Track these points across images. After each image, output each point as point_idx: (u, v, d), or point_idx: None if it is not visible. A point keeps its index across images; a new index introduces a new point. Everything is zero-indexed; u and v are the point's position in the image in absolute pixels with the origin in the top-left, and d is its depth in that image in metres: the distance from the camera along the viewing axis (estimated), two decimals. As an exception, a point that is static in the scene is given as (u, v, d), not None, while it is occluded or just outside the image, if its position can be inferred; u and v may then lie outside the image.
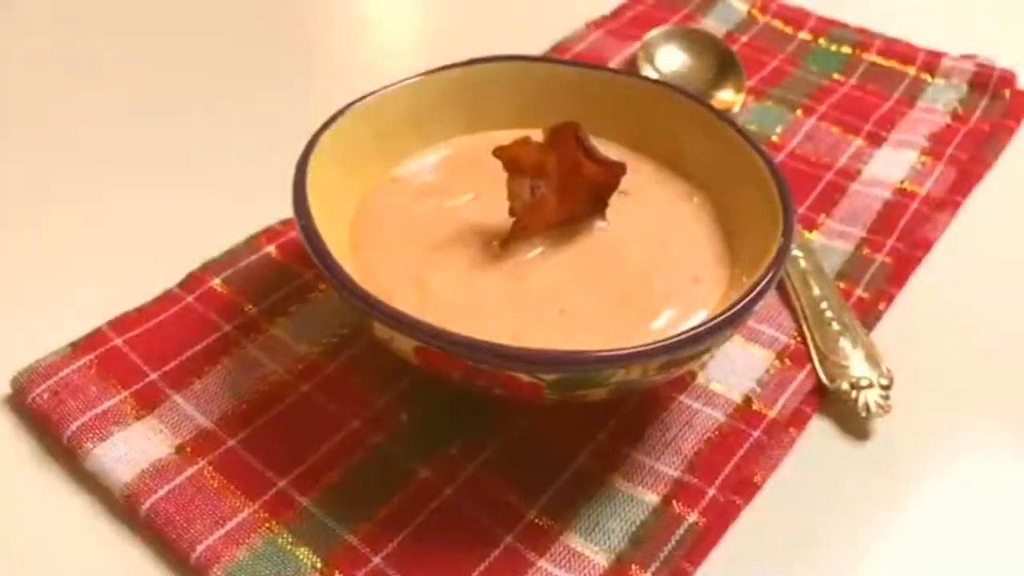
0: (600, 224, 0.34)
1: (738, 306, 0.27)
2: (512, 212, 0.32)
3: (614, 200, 0.34)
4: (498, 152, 0.32)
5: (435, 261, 0.32)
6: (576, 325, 0.30)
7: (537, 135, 0.38)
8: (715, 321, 0.27)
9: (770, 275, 0.29)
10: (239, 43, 0.52)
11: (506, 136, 0.38)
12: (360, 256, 0.33)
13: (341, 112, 0.35)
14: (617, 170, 0.33)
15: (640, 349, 0.26)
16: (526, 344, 0.29)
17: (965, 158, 0.45)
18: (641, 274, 0.32)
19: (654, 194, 0.36)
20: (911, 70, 0.51)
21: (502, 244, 0.32)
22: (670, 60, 0.50)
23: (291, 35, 0.53)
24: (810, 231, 0.41)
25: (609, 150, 0.38)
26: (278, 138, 0.36)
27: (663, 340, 0.27)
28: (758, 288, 0.28)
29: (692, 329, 0.27)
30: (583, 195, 0.33)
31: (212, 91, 0.48)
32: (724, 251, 0.34)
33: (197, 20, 0.53)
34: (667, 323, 0.31)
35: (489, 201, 0.34)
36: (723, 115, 0.36)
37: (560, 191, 0.32)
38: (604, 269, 0.32)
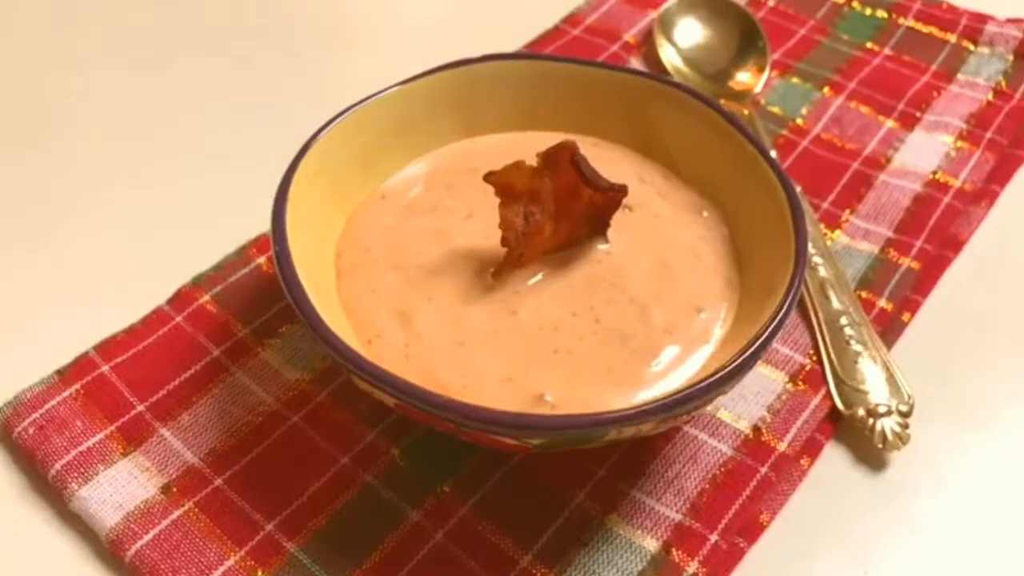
0: (601, 246, 0.32)
1: (731, 366, 0.26)
2: (505, 242, 0.30)
3: (618, 216, 0.32)
4: (489, 178, 0.29)
5: (423, 292, 0.31)
6: (570, 367, 0.29)
7: (537, 138, 0.36)
8: (708, 381, 0.25)
9: (775, 323, 0.27)
10: (230, 46, 0.49)
11: (503, 140, 0.36)
12: (344, 284, 0.31)
13: (326, 126, 0.33)
14: (617, 194, 0.31)
15: (626, 413, 0.25)
16: (517, 388, 0.28)
17: (1005, 142, 0.42)
18: (642, 306, 0.30)
19: (660, 209, 0.33)
20: (952, 37, 0.47)
21: (495, 275, 0.31)
22: (689, 33, 0.47)
23: (289, 37, 0.50)
24: (833, 230, 0.39)
25: (614, 154, 0.36)
26: (272, 141, 0.35)
27: (649, 404, 0.25)
28: (761, 340, 0.26)
29: (682, 390, 0.25)
30: (581, 220, 0.31)
31: (203, 93, 0.46)
32: (734, 273, 0.32)
33: (187, 28, 0.50)
34: (668, 364, 0.29)
35: (484, 219, 0.32)
36: (733, 119, 0.33)
37: (557, 217, 0.30)
38: (603, 301, 0.30)
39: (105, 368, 0.33)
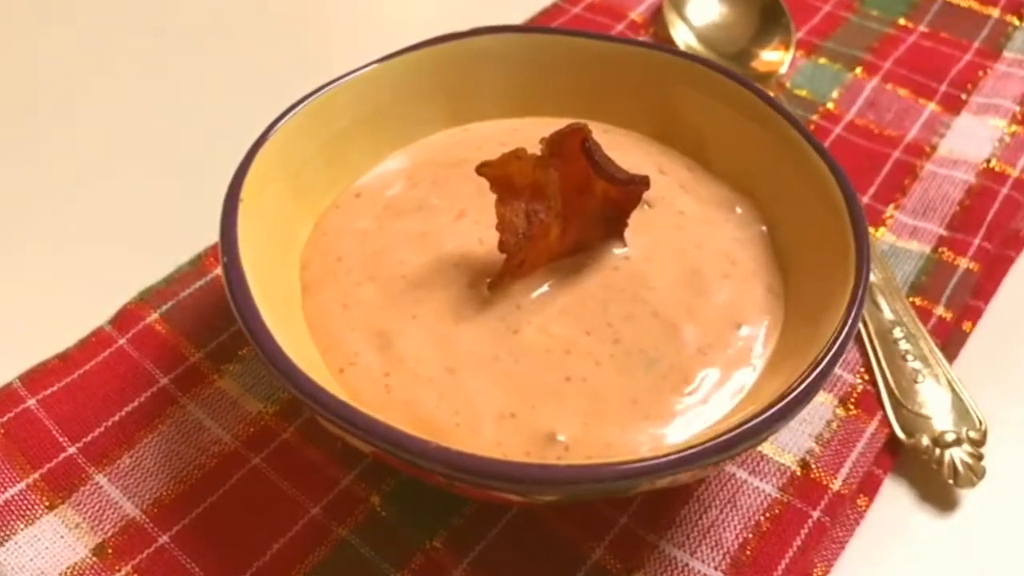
0: (618, 250, 0.27)
1: (790, 397, 0.21)
2: (503, 247, 0.25)
3: (636, 215, 0.27)
4: (483, 170, 0.24)
5: (406, 308, 0.26)
6: (586, 398, 0.24)
7: (537, 125, 0.31)
8: (762, 417, 0.20)
9: (839, 343, 0.22)
10: (184, 24, 0.44)
11: (498, 128, 0.32)
12: (311, 300, 0.26)
13: (286, 114, 0.28)
14: (638, 187, 0.26)
15: (660, 462, 0.20)
16: (522, 426, 0.23)
17: (1065, 125, 0.37)
18: (669, 321, 0.25)
19: (685, 205, 0.28)
20: (994, 12, 0.43)
21: (491, 286, 0.25)
22: (703, 9, 0.42)
23: (251, 13, 0.45)
24: (877, 228, 0.34)
25: (628, 141, 0.31)
26: (232, 134, 0.30)
27: (690, 449, 0.20)
28: (823, 364, 0.21)
29: (729, 430, 0.20)
30: (594, 219, 0.26)
31: (153, 78, 0.41)
32: (776, 279, 0.27)
33: (129, 13, 0.45)
34: (704, 392, 0.24)
35: (478, 220, 0.28)
36: (770, 99, 0.28)
37: (565, 216, 0.25)
38: (622, 316, 0.25)
39: (31, 402, 0.28)
